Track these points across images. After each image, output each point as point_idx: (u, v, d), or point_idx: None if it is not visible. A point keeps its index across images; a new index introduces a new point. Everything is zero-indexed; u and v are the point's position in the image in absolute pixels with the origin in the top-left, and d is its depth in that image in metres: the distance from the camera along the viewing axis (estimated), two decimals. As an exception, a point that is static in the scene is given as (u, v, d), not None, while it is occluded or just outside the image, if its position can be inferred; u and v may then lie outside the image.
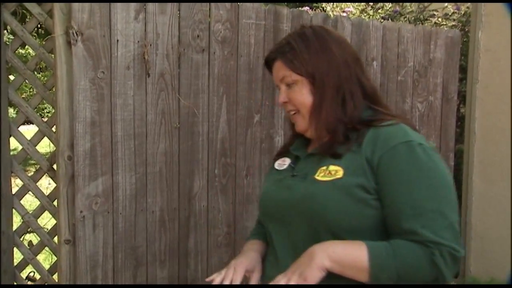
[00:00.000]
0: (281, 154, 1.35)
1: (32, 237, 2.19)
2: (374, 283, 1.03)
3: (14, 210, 2.09)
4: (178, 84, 2.18)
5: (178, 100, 2.18)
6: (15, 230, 2.10)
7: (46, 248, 2.13)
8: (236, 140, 2.38)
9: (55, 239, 2.07)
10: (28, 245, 2.14)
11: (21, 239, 2.14)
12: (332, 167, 1.13)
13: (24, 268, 2.15)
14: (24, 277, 2.20)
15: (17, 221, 2.14)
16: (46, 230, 2.10)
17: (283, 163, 1.29)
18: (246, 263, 1.24)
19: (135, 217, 2.10)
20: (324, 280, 1.06)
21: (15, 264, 2.12)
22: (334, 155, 1.14)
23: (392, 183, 1.07)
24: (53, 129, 2.06)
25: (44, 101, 2.12)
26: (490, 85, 2.98)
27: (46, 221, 2.14)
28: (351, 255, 1.04)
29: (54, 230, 2.06)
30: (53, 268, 2.10)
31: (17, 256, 2.12)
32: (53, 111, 2.00)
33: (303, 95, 1.19)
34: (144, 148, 2.11)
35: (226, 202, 2.38)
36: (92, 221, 1.98)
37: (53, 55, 1.96)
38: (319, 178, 1.13)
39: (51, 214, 2.06)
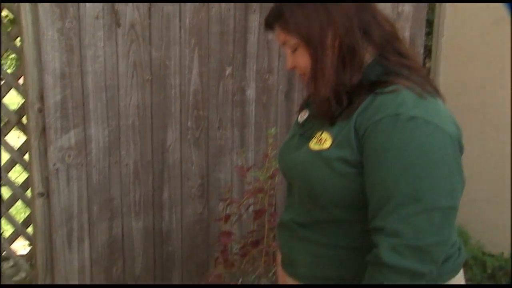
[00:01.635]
0: (303, 107, 1.27)
1: (3, 191, 2.17)
2: None
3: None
4: (149, 36, 2.14)
5: (150, 52, 2.15)
6: (-15, 184, 2.08)
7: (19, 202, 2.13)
8: (209, 92, 2.38)
9: (28, 192, 2.06)
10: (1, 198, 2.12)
11: (-7, 193, 2.12)
12: (324, 135, 1.07)
13: (-3, 222, 2.15)
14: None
15: (-13, 175, 2.11)
16: (17, 184, 2.09)
17: (303, 116, 1.23)
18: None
19: (109, 170, 2.11)
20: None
21: (-13, 218, 2.11)
22: (330, 120, 1.07)
23: (369, 161, 0.99)
24: (20, 81, 2.01)
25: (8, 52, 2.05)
26: (455, 39, 3.05)
27: (18, 175, 2.12)
28: None
29: (27, 184, 2.05)
30: (27, 220, 2.10)
31: (-11, 210, 2.11)
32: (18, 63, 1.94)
33: (305, 59, 1.09)
34: (116, 100, 2.09)
35: (199, 154, 2.41)
36: (66, 174, 1.97)
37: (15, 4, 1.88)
38: (311, 145, 1.09)
39: (22, 167, 2.04)
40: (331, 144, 1.04)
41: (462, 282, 1.13)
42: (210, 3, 2.29)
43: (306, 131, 1.16)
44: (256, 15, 2.43)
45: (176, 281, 2.46)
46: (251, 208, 2.25)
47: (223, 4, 2.33)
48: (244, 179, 2.42)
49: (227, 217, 2.07)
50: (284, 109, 2.61)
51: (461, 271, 1.13)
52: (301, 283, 1.18)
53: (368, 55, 1.07)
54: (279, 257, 1.43)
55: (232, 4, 2.35)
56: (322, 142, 1.06)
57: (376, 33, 1.07)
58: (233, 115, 2.50)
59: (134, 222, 2.23)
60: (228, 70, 2.44)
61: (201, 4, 2.26)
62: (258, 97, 2.59)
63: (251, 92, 2.56)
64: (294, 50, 1.11)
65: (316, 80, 1.08)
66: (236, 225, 2.45)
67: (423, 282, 0.96)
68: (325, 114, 1.08)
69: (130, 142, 2.16)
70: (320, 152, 1.05)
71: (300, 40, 1.07)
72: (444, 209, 0.94)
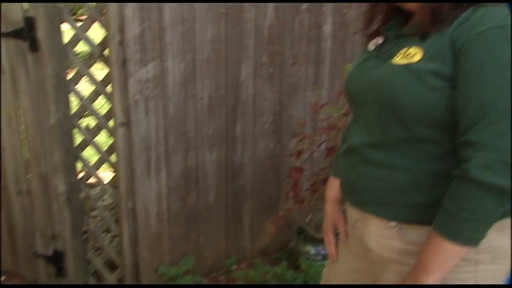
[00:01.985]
0: (374, 34, 1.23)
1: (89, 121, 2.31)
2: (471, 244, 0.98)
3: (71, 95, 2.19)
4: (225, -33, 2.10)
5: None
6: (73, 114, 2.21)
7: (103, 131, 2.26)
8: (284, 27, 2.33)
9: (111, 122, 2.17)
10: (86, 127, 2.26)
11: (80, 122, 2.26)
12: (412, 49, 1.03)
13: (84, 149, 2.30)
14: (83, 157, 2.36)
15: (75, 105, 2.24)
16: (101, 114, 2.21)
17: (376, 42, 1.20)
18: (331, 224, 1.39)
19: (184, 103, 2.16)
20: None
21: (76, 145, 2.26)
22: (423, 34, 1.03)
23: (467, 72, 0.94)
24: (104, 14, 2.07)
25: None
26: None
27: (101, 105, 2.23)
28: (437, 255, 0.99)
29: (109, 114, 2.16)
30: (110, 149, 2.23)
31: (78, 139, 2.26)
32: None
33: None
34: (192, 34, 2.10)
35: (273, 90, 2.40)
36: (144, 105, 2.05)
37: None
38: (395, 61, 1.05)
39: (106, 98, 2.15)
40: (422, 57, 1.00)
41: None
42: None
43: (385, 52, 1.12)
44: None
45: (247, 214, 2.55)
46: (323, 146, 2.23)
47: None
48: (317, 116, 2.39)
49: (299, 153, 2.08)
50: (361, 45, 2.50)
51: None
52: (367, 211, 1.17)
53: None
54: (332, 191, 1.42)
55: None
56: (411, 56, 1.02)
57: None
58: (308, 51, 2.44)
59: (207, 155, 2.30)
60: (305, 5, 2.36)
61: None
62: (335, 33, 2.50)
63: (327, 28, 2.47)
64: None
65: None
66: (307, 162, 2.46)
67: (507, 204, 0.94)
68: (419, 27, 1.04)
69: (205, 76, 2.18)
70: (408, 66, 1.02)
71: None
72: None
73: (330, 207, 1.43)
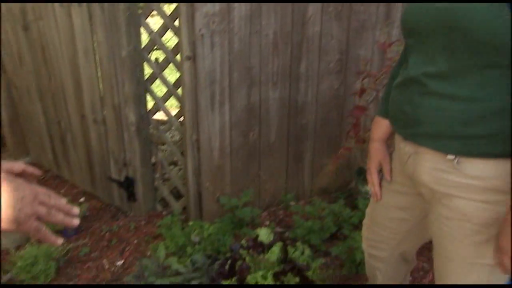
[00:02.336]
0: None
1: (158, 54, 2.38)
2: None
3: (142, 29, 2.27)
4: None
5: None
6: (143, 47, 2.30)
7: (171, 65, 2.33)
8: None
9: (178, 56, 2.23)
10: (155, 61, 2.35)
11: (149, 55, 2.35)
12: None
13: (153, 82, 2.40)
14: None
15: (145, 39, 2.32)
16: (169, 48, 2.27)
17: None
18: (376, 164, 1.42)
19: (250, 39, 2.16)
20: None
21: (145, 77, 2.37)
22: None
23: None
24: None
25: None
26: None
27: (169, 38, 2.28)
28: None
29: (177, 48, 2.22)
30: (177, 83, 2.31)
31: (147, 71, 2.36)
32: None
33: None
34: (259, -33, 2.07)
35: (340, 28, 2.33)
36: (210, 40, 2.08)
37: None
38: None
39: (173, 32, 2.20)
40: None
41: None
42: None
43: None
44: None
45: (307, 153, 2.57)
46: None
47: None
48: (385, 56, 2.31)
49: (362, 91, 2.03)
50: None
51: None
52: (423, 145, 1.14)
53: None
54: (378, 130, 1.39)
55: None
56: None
57: None
58: (380, -13, 2.33)
59: (271, 92, 2.32)
60: None
61: None
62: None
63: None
64: None
65: None
66: (372, 104, 2.41)
67: None
68: None
69: (271, 12, 2.16)
70: None
71: None
72: None
73: (376, 146, 1.42)
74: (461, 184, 1.09)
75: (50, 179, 3.06)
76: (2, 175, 0.75)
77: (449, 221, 1.15)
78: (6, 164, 0.83)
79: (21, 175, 0.84)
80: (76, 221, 0.83)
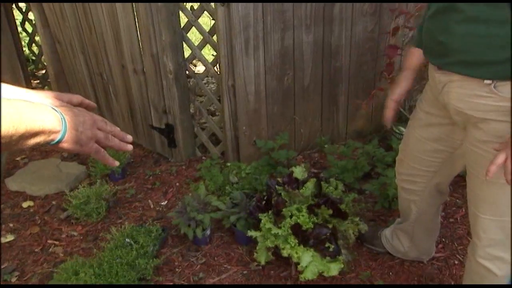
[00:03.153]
0: None
1: (193, 3, 2.43)
2: None
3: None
4: None
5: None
6: (178, -5, 2.35)
7: (206, 13, 2.38)
8: None
9: (212, 4, 2.27)
10: (190, 9, 2.39)
11: (184, 3, 2.40)
12: None
13: (189, 31, 2.46)
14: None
15: (179, -13, 2.36)
16: (203, -6, 2.31)
17: None
18: (399, 90, 1.47)
19: (282, -19, 2.17)
20: None
21: (181, 26, 2.42)
22: None
23: None
24: None
25: None
26: None
27: (203, -15, 2.31)
28: None
29: (211, -6, 2.25)
30: (212, 31, 2.36)
31: (183, 20, 2.41)
32: None
33: None
34: None
35: (374, -33, 2.30)
36: (243, -16, 2.10)
37: None
38: None
39: (206, -22, 2.23)
40: None
41: None
42: None
43: None
44: None
45: (342, 96, 2.60)
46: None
47: None
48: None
49: (395, 30, 2.03)
50: None
51: None
52: (459, 72, 1.16)
53: None
54: (411, 60, 1.41)
55: None
56: None
57: None
58: None
59: (304, 35, 2.34)
60: None
61: None
62: None
63: None
64: None
65: None
66: (408, 46, 2.39)
67: None
68: None
69: (303, -47, 2.15)
70: None
71: None
72: None
73: (404, 74, 1.46)
74: (498, 108, 1.12)
75: (96, 129, 3.21)
76: (63, 104, 0.84)
77: (485, 144, 1.18)
78: (65, 96, 0.91)
79: (79, 106, 0.93)
80: (130, 147, 0.91)
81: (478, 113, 1.17)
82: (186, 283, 1.83)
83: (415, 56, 1.41)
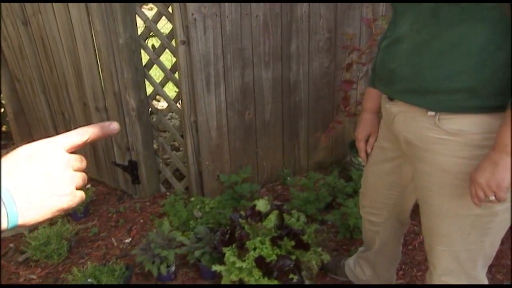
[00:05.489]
0: None
1: (154, 41, 2.48)
2: None
3: (137, 18, 2.36)
4: None
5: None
6: (140, 34, 2.40)
7: (167, 51, 2.43)
8: None
9: (173, 42, 2.33)
10: (152, 47, 2.45)
11: (146, 42, 2.45)
12: None
13: (150, 68, 2.50)
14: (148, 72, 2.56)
15: (140, 26, 2.41)
16: (164, 34, 2.37)
17: None
18: (364, 132, 1.51)
19: (241, 21, 2.26)
20: None
21: (143, 64, 2.46)
22: None
23: None
24: None
25: None
26: None
27: (163, 24, 2.37)
28: None
29: (171, 34, 2.31)
30: (174, 68, 2.41)
31: (145, 58, 2.45)
32: None
33: None
34: (246, -48, 2.15)
35: (328, 8, 2.42)
36: (203, 23, 2.17)
37: None
38: None
39: (167, 19, 2.30)
40: None
41: None
42: None
43: None
44: None
45: (302, 129, 2.67)
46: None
47: None
48: (372, 31, 2.40)
49: (349, 65, 2.13)
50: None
51: None
52: (407, 101, 1.21)
53: None
54: (369, 101, 1.48)
55: None
56: None
57: None
58: (364, -34, 2.41)
59: (264, 72, 2.42)
60: None
61: None
62: None
63: None
64: None
65: None
66: (363, 80, 2.51)
67: None
68: None
69: (260, -6, 2.25)
70: None
71: None
72: None
73: (365, 117, 1.52)
74: (442, 141, 1.15)
75: (57, 168, 3.17)
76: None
77: (431, 177, 1.22)
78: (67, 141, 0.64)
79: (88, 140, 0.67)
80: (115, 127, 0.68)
81: (423, 144, 1.20)
82: (151, 322, 1.81)
83: (371, 95, 1.47)
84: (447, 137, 1.14)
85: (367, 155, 1.56)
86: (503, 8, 1.00)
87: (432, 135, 1.17)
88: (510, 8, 0.99)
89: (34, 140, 0.59)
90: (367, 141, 1.55)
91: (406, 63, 1.17)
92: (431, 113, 1.15)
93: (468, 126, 1.10)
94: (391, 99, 1.30)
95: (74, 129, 0.66)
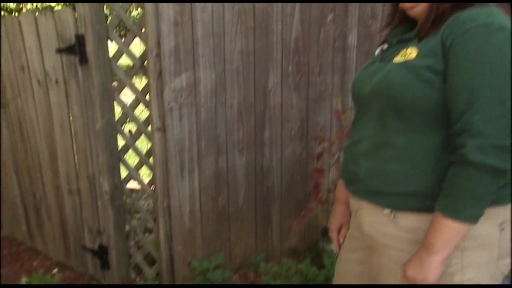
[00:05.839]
0: (383, 42, 1.38)
1: (131, 126, 2.53)
2: (471, 221, 1.08)
3: (115, 103, 2.43)
4: (253, -15, 2.28)
5: (253, 1, 2.29)
6: (117, 120, 2.45)
7: (143, 136, 2.48)
8: (310, 39, 2.48)
9: (149, 127, 2.39)
10: (128, 132, 2.50)
11: (122, 127, 2.50)
12: (410, 49, 1.16)
13: (126, 152, 2.53)
14: (126, 159, 2.59)
15: (118, 112, 2.48)
16: (141, 120, 2.43)
17: (383, 48, 1.33)
18: (336, 224, 1.54)
19: (215, 110, 2.35)
20: None
21: (119, 148, 2.50)
22: (421, 37, 1.16)
23: (456, 66, 1.05)
24: (143, 30, 2.30)
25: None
26: None
27: (141, 111, 2.45)
28: (441, 234, 1.09)
29: (148, 120, 2.38)
30: (149, 153, 2.45)
31: (120, 143, 2.49)
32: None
33: None
34: (222, 46, 2.29)
35: (299, 98, 2.54)
36: (179, 112, 2.25)
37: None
38: (396, 60, 1.18)
39: (144, 106, 2.37)
40: (417, 55, 1.13)
41: None
42: (311, -50, 2.34)
43: (388, 56, 1.25)
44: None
45: (275, 215, 2.69)
46: (344, 150, 2.34)
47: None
48: (342, 123, 2.51)
49: (319, 155, 2.20)
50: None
51: None
52: (364, 200, 1.27)
53: None
54: (341, 193, 1.54)
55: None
56: (408, 54, 1.15)
57: None
58: (334, 61, 2.57)
59: (237, 158, 2.47)
60: (330, 17, 2.50)
61: (303, -49, 2.32)
62: (360, 43, 2.61)
63: (352, 38, 2.59)
64: None
65: None
66: (334, 167, 2.58)
67: (504, 181, 1.06)
68: (422, 28, 1.16)
69: (235, 85, 2.36)
70: (405, 62, 1.14)
71: None
72: None
73: (337, 207, 1.56)
74: (397, 237, 1.21)
75: (23, 252, 3.08)
76: None
77: (389, 271, 1.26)
78: None
79: None
80: None
81: (381, 239, 1.26)
82: None
83: (342, 188, 1.52)
84: (402, 233, 1.20)
85: (340, 245, 1.58)
86: (443, 118, 1.11)
87: (389, 231, 1.23)
88: (510, 8, 1.10)
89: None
90: (339, 231, 1.58)
91: (362, 166, 1.25)
92: (386, 211, 1.22)
93: (422, 223, 1.16)
94: (352, 194, 1.36)
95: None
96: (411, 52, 1.14)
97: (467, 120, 1.04)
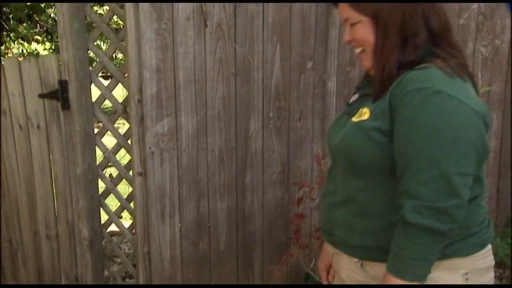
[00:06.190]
0: (355, 91, 1.40)
1: (112, 170, 2.53)
2: (418, 280, 1.10)
3: (96, 148, 2.44)
4: (234, 33, 2.35)
5: (235, 49, 2.36)
6: (98, 164, 2.45)
7: (124, 181, 2.47)
8: (290, 85, 2.54)
9: (130, 172, 2.39)
10: (109, 176, 2.49)
11: (104, 171, 2.49)
12: (365, 109, 1.19)
13: (107, 197, 2.52)
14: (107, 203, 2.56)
15: (99, 156, 2.48)
16: (123, 164, 2.43)
17: (353, 98, 1.35)
18: (324, 263, 1.52)
19: (197, 155, 2.36)
20: None
21: (100, 192, 2.48)
22: (376, 97, 1.18)
23: (397, 129, 1.10)
24: (126, 76, 2.34)
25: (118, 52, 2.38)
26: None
27: (122, 155, 2.45)
28: None
29: (129, 165, 2.38)
30: (130, 197, 2.44)
31: (101, 185, 2.48)
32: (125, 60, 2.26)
33: (366, 34, 1.19)
34: (204, 92, 2.33)
35: (280, 143, 2.58)
36: (160, 157, 2.26)
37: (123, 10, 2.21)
38: (353, 119, 1.22)
39: (126, 150, 2.38)
40: (369, 116, 1.17)
41: (488, 259, 1.18)
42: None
43: (352, 110, 1.28)
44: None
45: (257, 260, 2.66)
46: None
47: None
48: (323, 168, 2.53)
49: (300, 200, 2.21)
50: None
51: (488, 248, 1.18)
52: (336, 247, 1.31)
53: (423, 40, 1.16)
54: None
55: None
56: (362, 115, 1.19)
57: (435, 22, 1.17)
58: (314, 107, 2.63)
59: (219, 203, 2.47)
60: (309, 64, 2.57)
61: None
62: (339, 89, 2.68)
63: (332, 85, 2.66)
64: (353, 25, 1.22)
65: (376, 55, 1.19)
66: (315, 211, 2.59)
67: (446, 240, 1.08)
68: (374, 91, 1.19)
69: (216, 130, 2.39)
70: (359, 123, 1.19)
71: (368, 17, 1.18)
72: (461, 175, 1.05)
73: (328, 248, 1.55)
74: (367, 283, 1.24)
75: (-2, 299, 2.98)
76: None
77: None
78: None
79: None
80: None
81: (353, 283, 1.29)
82: None
83: None
84: (371, 280, 1.23)
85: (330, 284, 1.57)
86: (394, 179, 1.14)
87: (358, 278, 1.26)
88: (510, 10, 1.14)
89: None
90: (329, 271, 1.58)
91: (331, 217, 1.30)
92: (355, 259, 1.26)
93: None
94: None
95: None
96: (365, 113, 1.18)
97: (405, 182, 1.08)
